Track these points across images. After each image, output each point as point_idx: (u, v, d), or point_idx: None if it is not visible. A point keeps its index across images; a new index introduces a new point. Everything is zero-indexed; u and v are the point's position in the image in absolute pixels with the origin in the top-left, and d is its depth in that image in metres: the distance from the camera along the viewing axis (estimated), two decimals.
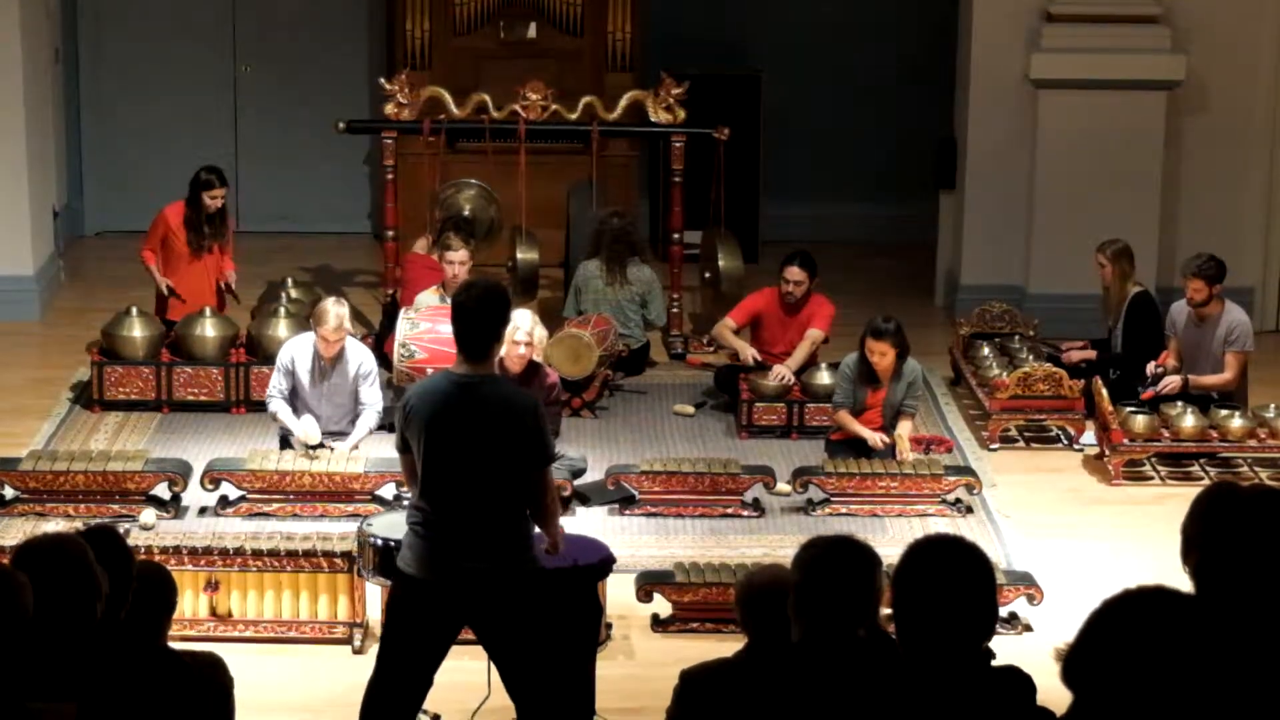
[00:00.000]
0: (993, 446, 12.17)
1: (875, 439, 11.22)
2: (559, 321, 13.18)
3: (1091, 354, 12.71)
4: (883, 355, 11.20)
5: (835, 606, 5.04)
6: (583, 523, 10.46)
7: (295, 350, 11.25)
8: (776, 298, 12.66)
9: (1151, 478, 11.68)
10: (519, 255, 14.02)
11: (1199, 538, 5.20)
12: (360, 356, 11.24)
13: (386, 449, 11.55)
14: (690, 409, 12.77)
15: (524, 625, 7.32)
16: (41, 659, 5.05)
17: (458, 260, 12.13)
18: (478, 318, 7.23)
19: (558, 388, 10.91)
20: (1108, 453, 11.66)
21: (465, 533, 7.21)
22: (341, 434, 11.16)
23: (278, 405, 11.17)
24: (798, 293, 12.53)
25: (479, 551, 7.20)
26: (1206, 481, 11.31)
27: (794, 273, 12.50)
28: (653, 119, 14.01)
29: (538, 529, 7.46)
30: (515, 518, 7.30)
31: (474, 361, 7.25)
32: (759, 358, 12.53)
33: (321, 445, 10.97)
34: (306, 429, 11.00)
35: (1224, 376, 11.97)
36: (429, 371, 11.00)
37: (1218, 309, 12.01)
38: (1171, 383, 11.91)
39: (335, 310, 11.07)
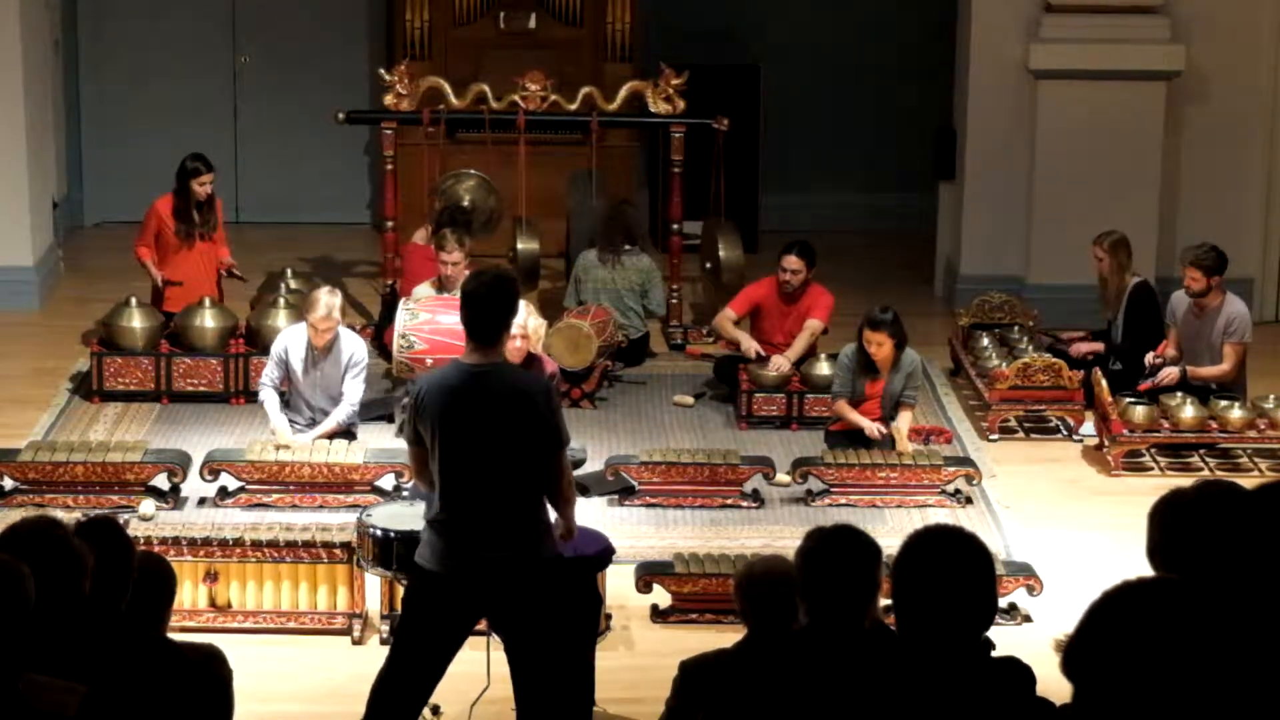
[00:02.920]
0: (992, 437, 12.17)
1: (873, 429, 11.21)
2: (560, 312, 13.18)
3: (1099, 346, 12.68)
4: (880, 345, 11.20)
5: (838, 596, 5.05)
6: (582, 513, 10.43)
7: (289, 340, 11.27)
8: (775, 287, 12.66)
9: (1151, 468, 11.69)
10: (519, 245, 14.02)
11: (1160, 550, 5.16)
12: (352, 348, 11.25)
13: (385, 439, 11.57)
14: (690, 400, 12.77)
15: (540, 613, 7.33)
16: (37, 642, 5.05)
17: (451, 261, 12.10)
18: (488, 304, 7.27)
19: (557, 377, 10.92)
20: (1107, 443, 11.67)
21: (484, 523, 7.22)
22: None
23: (266, 394, 11.20)
24: (795, 282, 12.52)
25: (498, 541, 7.21)
26: (1206, 472, 11.33)
27: (791, 262, 12.49)
28: (652, 109, 14.00)
29: (553, 515, 7.48)
30: (532, 505, 7.32)
31: (485, 347, 7.27)
32: (761, 351, 12.50)
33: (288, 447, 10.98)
34: (279, 426, 11.01)
35: (1222, 368, 11.96)
36: (429, 362, 11.03)
37: (1217, 300, 12.00)
38: (1169, 374, 11.91)
39: (326, 299, 11.09)
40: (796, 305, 12.61)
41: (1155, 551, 5.12)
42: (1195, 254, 11.97)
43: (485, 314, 7.28)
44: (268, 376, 11.24)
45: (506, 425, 7.20)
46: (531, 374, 7.92)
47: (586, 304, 13.09)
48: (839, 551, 5.11)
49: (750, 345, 12.56)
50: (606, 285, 13.29)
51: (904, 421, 11.27)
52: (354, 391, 11.21)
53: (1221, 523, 4.80)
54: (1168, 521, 5.10)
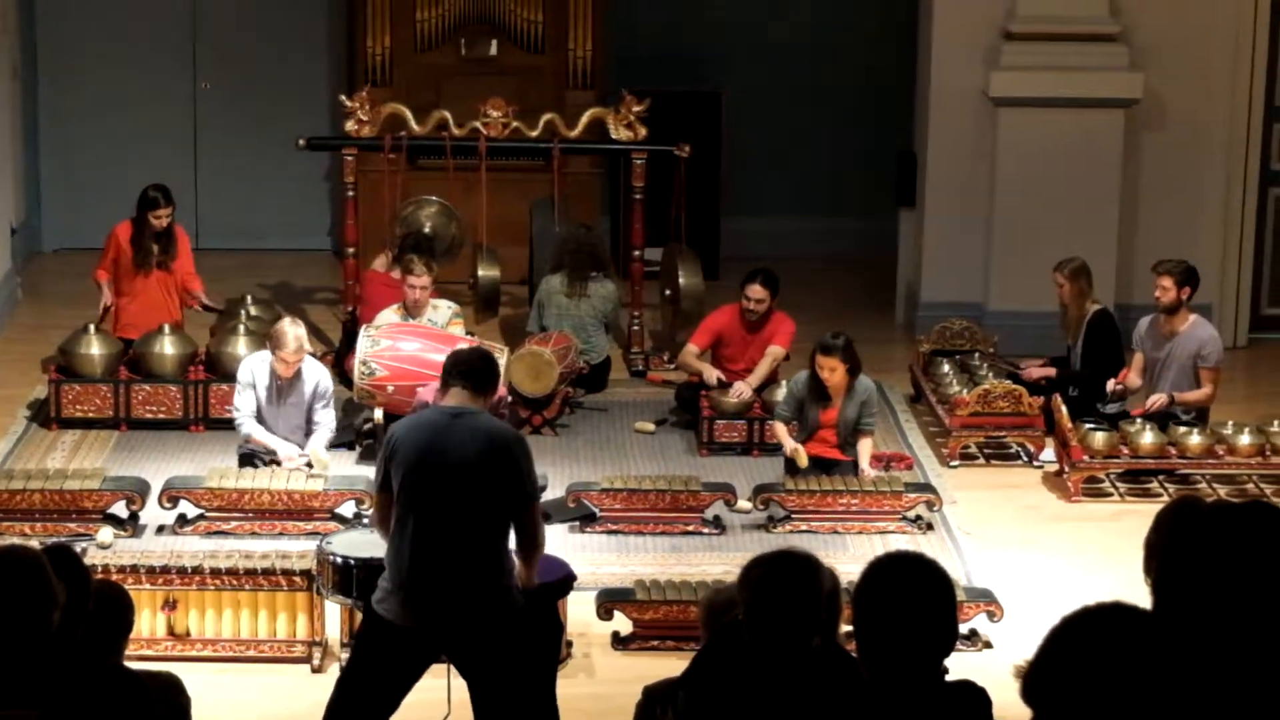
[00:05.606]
0: (953, 463, 12.18)
1: (789, 446, 11.24)
2: (523, 337, 13.18)
3: (1051, 371, 12.72)
4: (832, 371, 11.20)
5: (783, 620, 5.06)
6: None
7: (255, 366, 11.23)
8: (738, 315, 12.65)
9: (1111, 494, 11.71)
10: (480, 272, 14.01)
11: (1161, 550, 5.22)
12: (317, 376, 11.21)
13: (347, 467, 11.54)
14: (651, 426, 12.76)
15: (506, 660, 7.32)
16: None
17: (419, 285, 12.10)
18: (483, 364, 7.48)
19: (506, 401, 10.96)
20: (1067, 469, 11.69)
21: (451, 573, 7.19)
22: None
23: (251, 427, 11.12)
24: (759, 310, 12.52)
25: (465, 593, 7.19)
26: (1166, 498, 11.34)
27: (756, 291, 12.49)
28: (614, 136, 14.01)
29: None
30: (499, 555, 7.31)
31: (478, 396, 7.38)
32: (723, 378, 12.52)
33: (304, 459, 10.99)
34: (292, 448, 11.00)
35: (1205, 392, 11.96)
36: (390, 389, 11.05)
37: (1185, 322, 12.00)
38: (1159, 400, 11.90)
39: (293, 331, 11.05)
40: (759, 333, 12.61)
41: (1154, 560, 5.15)
42: (1167, 264, 11.99)
43: (481, 369, 7.44)
44: (245, 407, 11.15)
45: (481, 472, 7.20)
46: (505, 424, 7.93)
47: (548, 330, 13.08)
48: (782, 576, 5.12)
49: (712, 374, 12.55)
50: (569, 311, 13.28)
51: (864, 449, 11.28)
52: (329, 419, 11.22)
53: (1211, 540, 4.81)
54: (1177, 529, 5.13)
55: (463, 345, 8.79)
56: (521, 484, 7.28)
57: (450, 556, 7.20)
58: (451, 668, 7.65)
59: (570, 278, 13.33)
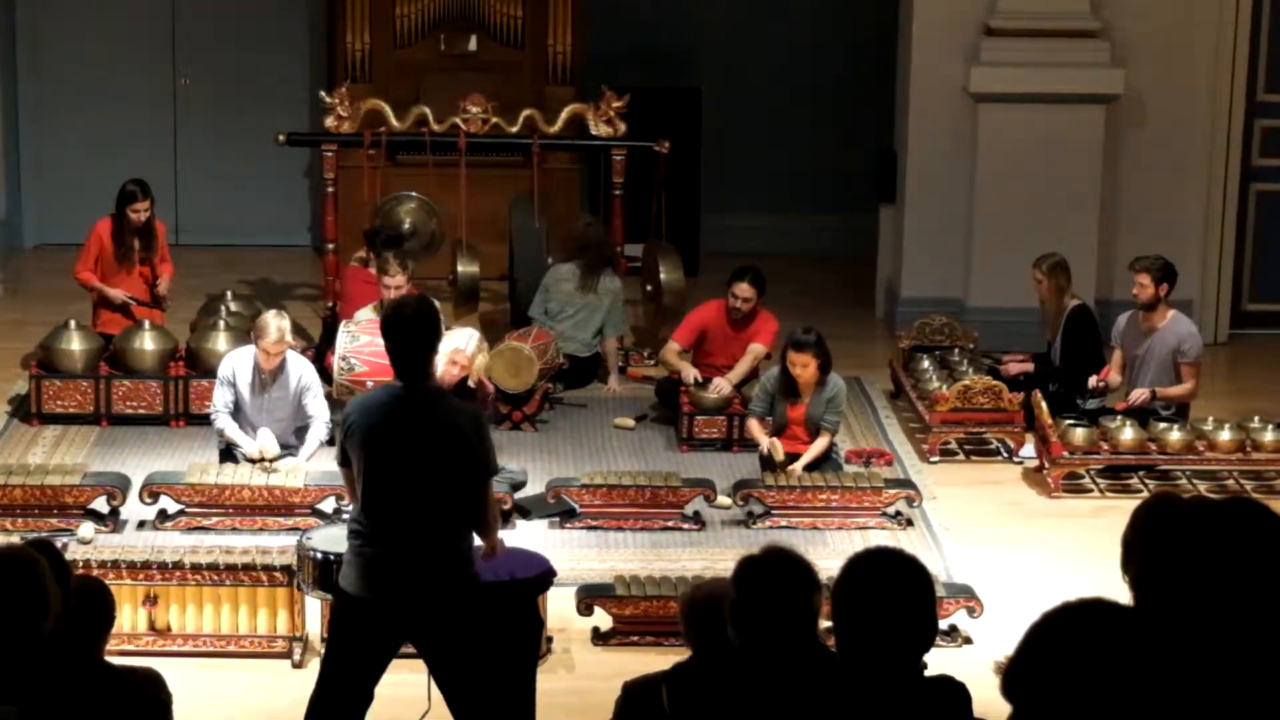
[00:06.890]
0: (933, 459, 12.19)
1: (765, 444, 11.26)
2: (505, 331, 13.20)
3: (1029, 366, 12.74)
4: (804, 367, 11.21)
5: (774, 620, 5.05)
6: (523, 536, 10.45)
7: (236, 363, 11.21)
8: (722, 311, 12.65)
9: (1091, 490, 11.73)
10: (460, 268, 13.99)
11: (1138, 547, 5.23)
12: (301, 369, 11.22)
13: (327, 463, 11.53)
14: (631, 422, 12.77)
15: (466, 641, 7.32)
16: None
17: (394, 285, 12.09)
18: (409, 338, 7.25)
19: (493, 396, 10.93)
20: (1047, 465, 11.71)
21: (407, 549, 7.20)
22: (284, 447, 11.12)
23: (225, 422, 11.11)
24: (745, 309, 12.52)
25: (421, 568, 7.19)
26: (1146, 494, 11.35)
27: (743, 289, 12.48)
28: (593, 132, 14.01)
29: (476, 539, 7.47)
30: (457, 532, 7.30)
31: (410, 381, 7.26)
32: (700, 378, 12.50)
33: (279, 456, 10.95)
34: (264, 442, 10.97)
35: (1186, 387, 11.98)
36: (369, 384, 11.01)
37: (1164, 318, 12.03)
38: (1141, 395, 11.92)
39: (276, 323, 11.04)
40: (743, 330, 12.61)
41: (1132, 557, 5.16)
42: (1144, 261, 12.01)
43: (407, 348, 7.26)
44: (220, 403, 11.14)
45: (433, 449, 7.19)
46: (461, 401, 7.90)
47: (529, 327, 13.09)
48: (775, 575, 5.11)
49: (691, 374, 12.55)
50: (573, 301, 13.27)
51: (814, 448, 11.27)
52: (322, 410, 11.19)
53: (1189, 537, 4.82)
54: (1153, 525, 5.15)
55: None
56: (474, 460, 7.27)
57: (406, 532, 7.21)
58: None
59: (585, 274, 13.30)
